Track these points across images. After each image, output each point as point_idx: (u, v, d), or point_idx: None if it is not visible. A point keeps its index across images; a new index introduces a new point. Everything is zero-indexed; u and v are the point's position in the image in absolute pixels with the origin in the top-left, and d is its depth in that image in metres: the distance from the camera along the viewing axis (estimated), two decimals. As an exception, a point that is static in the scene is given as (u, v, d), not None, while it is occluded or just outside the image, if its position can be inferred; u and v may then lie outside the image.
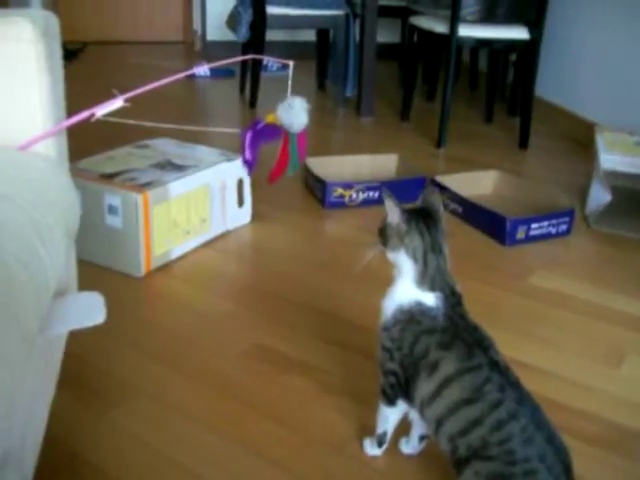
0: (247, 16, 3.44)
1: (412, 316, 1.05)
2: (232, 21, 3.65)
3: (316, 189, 2.35)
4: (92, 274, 1.75)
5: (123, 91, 1.10)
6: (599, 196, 2.24)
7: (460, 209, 2.24)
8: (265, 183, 1.44)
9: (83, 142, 1.94)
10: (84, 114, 1.06)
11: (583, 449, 1.24)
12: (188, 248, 1.92)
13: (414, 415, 1.11)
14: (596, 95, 3.15)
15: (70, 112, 1.11)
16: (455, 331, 1.03)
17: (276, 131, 1.31)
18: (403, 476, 1.16)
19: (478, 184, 2.43)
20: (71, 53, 4.53)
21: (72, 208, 1.00)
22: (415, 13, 3.54)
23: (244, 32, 3.49)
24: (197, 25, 5.16)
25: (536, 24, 2.92)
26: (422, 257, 1.05)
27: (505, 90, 3.87)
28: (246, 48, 3.66)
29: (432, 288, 1.05)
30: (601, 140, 2.37)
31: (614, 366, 1.50)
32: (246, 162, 1.52)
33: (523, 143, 3.09)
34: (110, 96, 1.08)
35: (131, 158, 1.97)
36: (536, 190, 2.35)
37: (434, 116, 3.35)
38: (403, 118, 3.43)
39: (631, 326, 1.67)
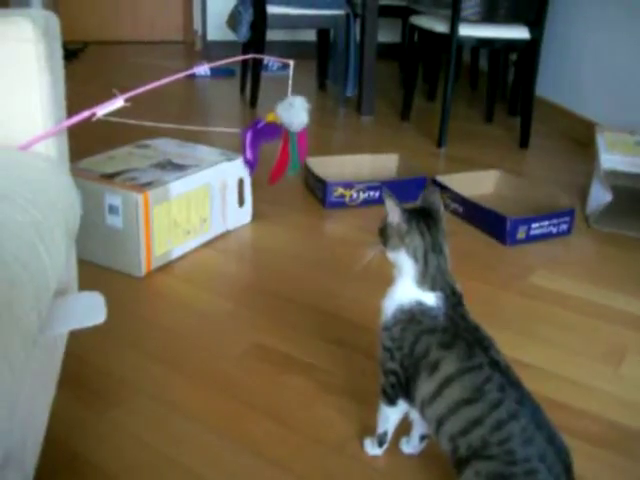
0: (247, 16, 3.44)
1: (413, 316, 1.05)
2: (232, 21, 3.65)
3: (317, 189, 2.35)
4: (92, 274, 1.75)
5: (123, 91, 1.10)
6: (599, 196, 2.24)
7: (461, 209, 2.24)
8: (265, 183, 1.44)
9: (84, 142, 1.94)
10: (85, 114, 1.06)
11: (583, 449, 1.24)
12: (188, 248, 1.92)
13: (415, 415, 1.11)
14: (597, 95, 3.15)
15: (70, 112, 1.11)
16: (456, 331, 1.03)
17: (277, 130, 1.31)
18: (404, 476, 1.16)
19: (479, 184, 2.43)
20: (71, 53, 4.54)
21: (72, 208, 1.00)
22: (416, 13, 3.54)
23: (244, 32, 3.49)
24: (197, 25, 5.16)
25: (536, 24, 2.92)
26: (422, 257, 1.05)
27: (505, 90, 3.87)
28: (246, 48, 3.66)
29: (433, 288, 1.05)
30: (601, 140, 2.37)
31: (614, 365, 1.50)
32: (247, 162, 1.52)
33: (523, 143, 3.09)
34: (111, 96, 1.08)
35: (131, 158, 1.97)
36: (536, 190, 2.35)
37: (435, 116, 3.35)
38: (404, 118, 3.43)
39: (631, 325, 1.67)
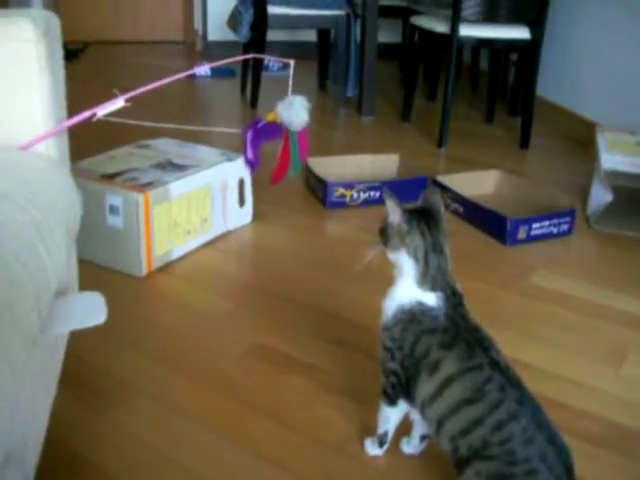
0: (248, 16, 3.44)
1: (413, 316, 1.05)
2: (233, 21, 3.65)
3: (317, 189, 2.35)
4: (93, 274, 1.75)
5: (124, 91, 1.10)
6: (600, 196, 2.24)
7: (461, 209, 2.24)
8: (266, 183, 1.44)
9: (84, 142, 1.94)
10: (85, 114, 1.06)
11: (584, 449, 1.24)
12: (189, 248, 1.92)
13: (415, 415, 1.11)
14: (597, 95, 3.15)
15: (71, 112, 1.11)
16: (456, 331, 1.03)
17: (277, 130, 1.31)
18: (404, 476, 1.16)
19: (479, 184, 2.43)
20: (72, 53, 4.54)
21: (73, 208, 1.00)
22: (416, 13, 3.54)
23: (245, 32, 3.49)
24: (198, 25, 5.16)
25: (537, 24, 2.91)
26: (423, 257, 1.05)
27: (506, 90, 3.86)
28: (247, 48, 3.66)
29: (433, 288, 1.05)
30: (602, 140, 2.37)
31: (615, 366, 1.50)
32: (248, 161, 1.52)
33: (524, 143, 3.09)
34: (111, 96, 1.08)
35: (132, 158, 1.97)
36: (537, 190, 2.35)
37: (435, 116, 3.35)
38: (404, 118, 3.43)
39: (632, 325, 1.67)
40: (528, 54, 3.01)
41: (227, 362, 1.45)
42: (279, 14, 3.42)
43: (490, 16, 2.88)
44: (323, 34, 3.94)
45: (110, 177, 1.81)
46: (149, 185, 1.77)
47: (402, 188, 2.25)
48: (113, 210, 1.75)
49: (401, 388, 1.09)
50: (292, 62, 1.37)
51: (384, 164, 2.59)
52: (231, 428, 1.25)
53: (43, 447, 0.97)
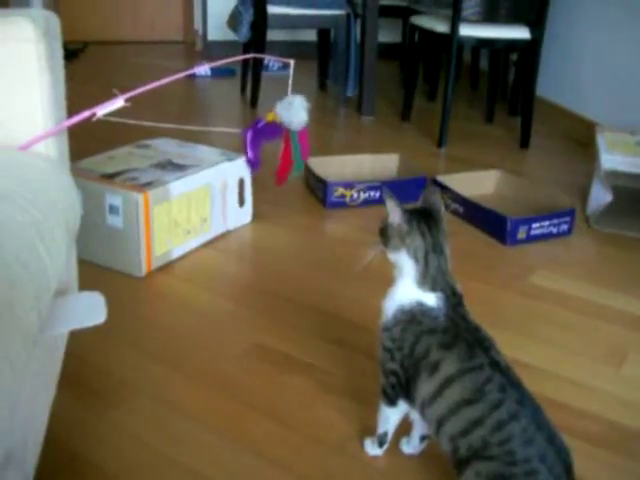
0: (248, 16, 3.44)
1: (413, 316, 1.05)
2: (233, 21, 3.65)
3: (317, 189, 2.35)
4: (93, 274, 1.75)
5: (124, 91, 1.10)
6: (600, 196, 2.24)
7: (461, 209, 2.24)
8: (266, 183, 1.44)
9: (84, 142, 1.94)
10: (85, 114, 1.06)
11: (583, 449, 1.24)
12: (189, 248, 1.92)
13: (415, 415, 1.11)
14: (597, 95, 3.14)
15: (71, 112, 1.11)
16: (456, 331, 1.03)
17: (277, 129, 1.31)
18: (404, 476, 1.16)
19: (479, 184, 2.43)
20: (72, 53, 4.53)
21: (73, 208, 1.00)
22: (416, 13, 3.54)
23: (245, 32, 3.49)
24: (198, 25, 5.16)
25: (537, 24, 2.91)
26: (423, 257, 1.05)
27: (506, 90, 3.86)
28: (247, 48, 3.66)
29: (433, 288, 1.05)
30: (602, 140, 2.37)
31: (615, 366, 1.50)
32: (249, 161, 1.52)
33: (524, 143, 3.09)
34: (111, 96, 1.08)
35: (132, 158, 1.97)
36: (537, 190, 2.35)
37: (435, 116, 3.35)
38: (404, 118, 3.43)
39: (632, 325, 1.67)
40: (528, 54, 3.01)
41: (227, 362, 1.45)
42: (279, 14, 3.42)
43: (490, 16, 2.88)
44: (323, 34, 3.94)
45: (110, 177, 1.81)
46: (149, 185, 1.76)
47: (402, 188, 2.25)
48: (113, 210, 1.75)
49: (401, 388, 1.09)
50: (292, 62, 1.37)
51: (384, 164, 2.59)
52: (231, 428, 1.25)
53: (43, 447, 0.97)
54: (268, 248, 2.00)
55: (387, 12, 4.14)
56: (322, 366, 1.45)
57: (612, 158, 2.23)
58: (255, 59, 3.45)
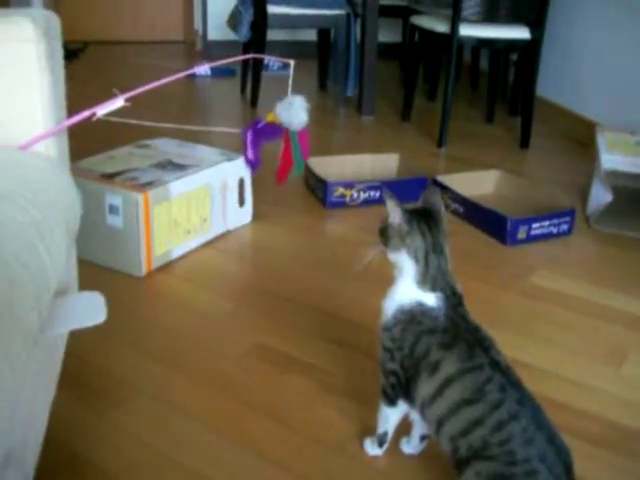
0: (248, 15, 3.44)
1: (413, 316, 1.05)
2: (233, 21, 3.65)
3: (317, 189, 2.35)
4: (93, 274, 1.75)
5: (124, 91, 1.10)
6: (600, 196, 2.24)
7: (461, 209, 2.24)
8: (266, 183, 1.44)
9: (84, 142, 1.94)
10: (85, 114, 1.06)
11: (583, 449, 1.24)
12: (189, 248, 1.92)
13: (415, 415, 1.11)
14: (597, 95, 3.14)
15: (71, 112, 1.11)
16: (456, 331, 1.03)
17: (277, 130, 1.31)
18: (404, 476, 1.16)
19: (479, 184, 2.43)
20: (72, 53, 4.53)
21: (73, 208, 1.00)
22: (416, 13, 3.54)
23: (245, 32, 3.48)
24: (198, 25, 5.16)
25: (537, 24, 2.91)
26: (423, 257, 1.05)
27: (506, 90, 3.86)
28: (247, 47, 3.66)
29: (433, 288, 1.05)
30: (602, 140, 2.36)
31: (615, 366, 1.50)
32: (249, 162, 1.52)
33: (524, 143, 3.09)
34: (111, 96, 1.08)
35: (132, 158, 1.97)
36: (537, 190, 2.35)
37: (435, 116, 3.35)
38: (404, 118, 3.43)
39: (632, 325, 1.67)
40: (528, 54, 3.01)
41: (227, 362, 1.45)
42: (279, 13, 3.42)
43: (490, 16, 2.88)
44: (323, 34, 3.94)
45: (110, 177, 1.81)
46: (149, 185, 1.76)
47: (402, 188, 2.25)
48: (113, 210, 1.75)
49: (401, 388, 1.09)
50: (292, 62, 1.36)
51: (384, 164, 2.59)
52: (231, 428, 1.25)
53: (43, 447, 0.97)
54: (268, 248, 2.00)
55: (387, 12, 4.14)
56: (322, 366, 1.45)
57: (612, 158, 2.23)
58: (255, 59, 3.45)
